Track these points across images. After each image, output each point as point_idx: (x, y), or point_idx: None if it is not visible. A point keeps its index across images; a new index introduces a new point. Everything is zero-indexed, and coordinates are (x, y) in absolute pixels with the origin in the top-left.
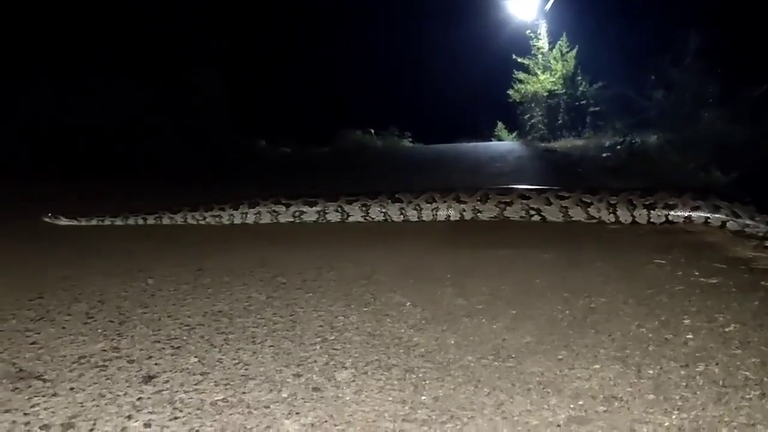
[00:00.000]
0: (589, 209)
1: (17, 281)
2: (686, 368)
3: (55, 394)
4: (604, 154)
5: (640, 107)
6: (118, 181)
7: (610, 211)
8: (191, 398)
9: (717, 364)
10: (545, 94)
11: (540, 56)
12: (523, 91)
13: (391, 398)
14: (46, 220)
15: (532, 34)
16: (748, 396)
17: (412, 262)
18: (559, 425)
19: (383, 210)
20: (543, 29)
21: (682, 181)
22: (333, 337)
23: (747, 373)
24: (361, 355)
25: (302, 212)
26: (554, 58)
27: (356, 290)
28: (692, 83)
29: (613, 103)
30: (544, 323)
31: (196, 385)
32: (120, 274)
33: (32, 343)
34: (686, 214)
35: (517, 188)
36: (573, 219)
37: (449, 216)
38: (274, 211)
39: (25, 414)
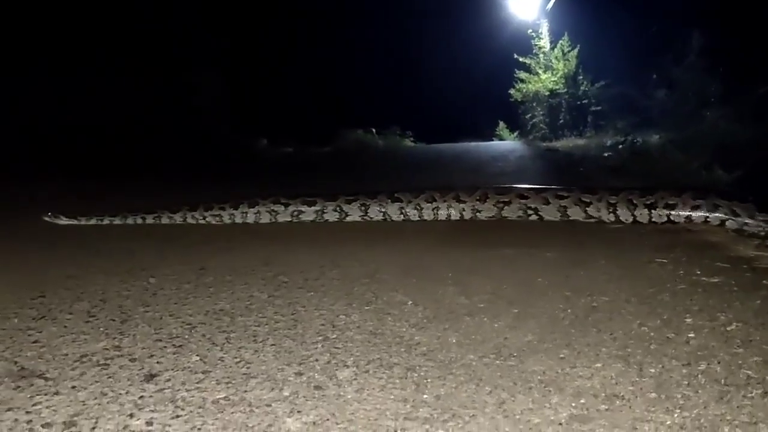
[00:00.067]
0: (588, 209)
1: (19, 280)
2: (688, 367)
3: (57, 393)
4: (606, 154)
5: (642, 106)
6: (118, 180)
7: (610, 210)
8: (193, 397)
9: (719, 362)
10: (547, 93)
11: (541, 55)
12: (524, 90)
13: (392, 397)
14: (46, 219)
15: (533, 34)
16: (749, 395)
17: (414, 261)
18: (560, 423)
19: (382, 210)
20: (544, 28)
21: (684, 181)
22: (334, 336)
23: (749, 372)
24: (362, 354)
25: (300, 212)
26: (556, 58)
27: (358, 289)
28: (694, 82)
29: (614, 102)
30: (546, 322)
31: (197, 383)
32: (121, 273)
33: (34, 342)
34: (686, 213)
35: (516, 187)
36: (571, 218)
37: (450, 215)
38: (273, 210)
39: (27, 412)
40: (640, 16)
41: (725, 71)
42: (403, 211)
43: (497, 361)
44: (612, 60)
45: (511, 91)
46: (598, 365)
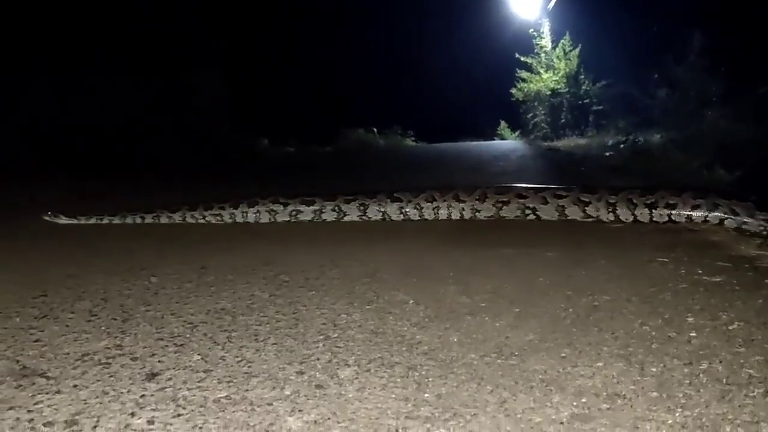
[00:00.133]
0: (586, 208)
1: (20, 279)
2: (690, 366)
3: (58, 392)
4: (607, 153)
5: (643, 106)
6: (119, 180)
7: (609, 210)
8: (194, 395)
9: (721, 362)
10: (548, 92)
11: (543, 55)
12: (526, 89)
13: (393, 395)
14: (46, 218)
15: (534, 33)
16: (751, 394)
17: (414, 260)
18: (562, 423)
19: (381, 209)
20: (546, 28)
21: (685, 180)
22: (336, 335)
23: (751, 371)
24: (363, 353)
25: (299, 211)
26: (557, 57)
27: (359, 288)
28: (695, 82)
29: (616, 101)
30: (548, 321)
31: (199, 382)
32: (122, 272)
33: (36, 341)
34: (687, 212)
35: (516, 187)
36: (569, 218)
37: (450, 215)
38: (272, 210)
39: (29, 411)
40: (641, 15)
41: (726, 71)
42: (403, 210)
43: (498, 360)
44: (613, 59)
45: (513, 91)
46: (600, 364)
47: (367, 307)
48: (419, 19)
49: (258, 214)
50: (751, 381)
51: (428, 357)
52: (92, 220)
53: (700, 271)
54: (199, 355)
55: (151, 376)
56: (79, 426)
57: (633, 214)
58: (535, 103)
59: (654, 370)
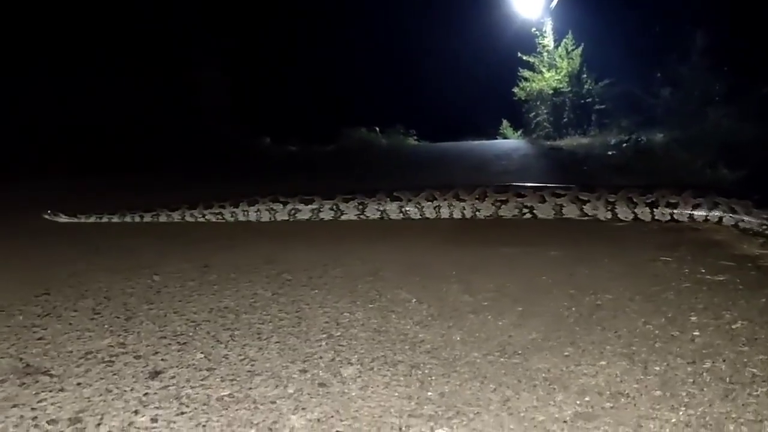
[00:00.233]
0: (584, 207)
1: (23, 277)
2: (693, 365)
3: (62, 389)
4: (610, 152)
5: (646, 105)
6: (120, 179)
7: (608, 208)
8: (198, 394)
9: (724, 360)
10: (550, 92)
11: (545, 54)
12: (528, 89)
13: (397, 394)
14: (46, 217)
15: (537, 32)
16: (755, 393)
17: (416, 259)
18: (565, 421)
19: (381, 208)
20: (548, 27)
21: (688, 180)
22: (339, 334)
23: (754, 370)
24: (366, 351)
25: (298, 210)
26: (560, 56)
27: (361, 287)
28: (699, 81)
29: (618, 101)
30: (551, 320)
31: (202, 380)
32: (125, 270)
33: (39, 339)
34: (687, 211)
35: (515, 186)
36: (565, 216)
37: (452, 214)
38: (272, 209)
39: (33, 409)
40: (644, 14)
41: (729, 70)
42: (403, 209)
43: (502, 359)
44: (616, 58)
45: (515, 90)
46: (603, 363)
47: (370, 305)
48: (421, 18)
49: (259, 213)
50: (754, 380)
51: (431, 355)
52: (92, 219)
53: (704, 270)
54: (202, 353)
55: (155, 374)
56: (83, 424)
57: (633, 213)
58: (538, 103)
59: (657, 368)
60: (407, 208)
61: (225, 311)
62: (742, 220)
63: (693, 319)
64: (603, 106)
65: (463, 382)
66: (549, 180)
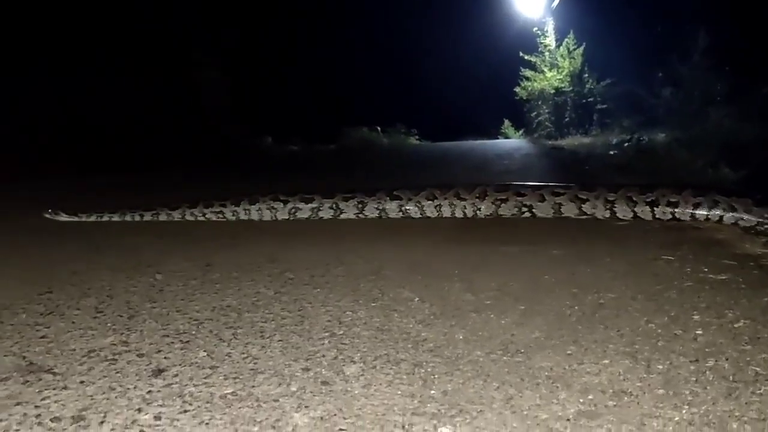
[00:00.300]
0: (583, 206)
1: (25, 276)
2: (696, 363)
3: (65, 387)
4: (612, 152)
5: (647, 105)
6: (121, 179)
7: (607, 207)
8: (201, 392)
9: (727, 359)
10: (552, 91)
11: (547, 53)
12: (530, 88)
13: (400, 392)
14: (47, 216)
15: (539, 32)
16: (758, 391)
17: (418, 258)
18: (568, 419)
19: (380, 207)
20: (550, 26)
21: (690, 179)
22: (341, 332)
23: (757, 369)
24: (369, 350)
25: (297, 209)
26: (561, 56)
27: (364, 286)
28: (700, 81)
29: (620, 100)
30: (553, 319)
31: (205, 378)
32: (127, 269)
33: (42, 337)
34: (689, 210)
35: (515, 185)
36: (564, 215)
37: (453, 213)
38: (273, 207)
39: (36, 407)
40: (646, 14)
41: (731, 70)
42: (402, 208)
43: (504, 358)
44: (618, 58)
45: (517, 90)
46: (606, 362)
47: (373, 304)
48: (423, 18)
49: (260, 212)
50: (757, 378)
51: (434, 354)
52: (93, 218)
53: (706, 269)
54: (205, 351)
55: (158, 372)
56: (86, 421)
57: (632, 212)
58: (539, 102)
59: (660, 367)
60: (407, 207)
61: (227, 310)
62: (742, 219)
63: (695, 317)
64: (604, 106)
65: (466, 380)
66: (551, 179)
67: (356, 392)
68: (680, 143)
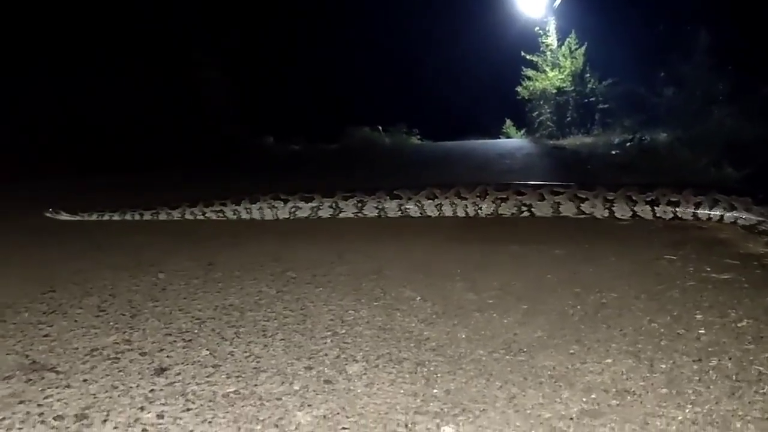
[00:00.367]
0: (581, 205)
1: (28, 275)
2: (699, 363)
3: (68, 386)
4: (613, 152)
5: (649, 104)
6: (122, 179)
7: (606, 207)
8: (203, 390)
9: (730, 358)
10: (554, 91)
11: (549, 53)
12: (531, 88)
13: (402, 391)
14: (47, 215)
15: (540, 31)
16: (761, 390)
17: (421, 257)
18: (571, 418)
19: (380, 206)
20: (552, 26)
21: (692, 178)
22: (344, 331)
23: (760, 368)
24: (372, 349)
25: (298, 208)
26: (563, 55)
27: (366, 285)
28: (702, 80)
29: (622, 100)
30: (556, 318)
31: (208, 377)
32: (130, 268)
33: (45, 336)
34: (691, 209)
35: (515, 184)
36: (562, 215)
37: (455, 212)
38: (274, 206)
39: (39, 405)
40: (648, 13)
41: (733, 69)
42: (402, 207)
43: (507, 357)
44: (619, 58)
45: (518, 89)
46: (609, 361)
47: (375, 303)
48: (425, 17)
49: (261, 211)
50: (761, 378)
51: (436, 353)
52: (94, 217)
53: (709, 269)
54: (207, 350)
55: (160, 371)
56: (89, 420)
57: (632, 211)
58: (541, 102)
59: (663, 366)
60: (407, 207)
61: (230, 309)
62: (742, 217)
63: (698, 317)
64: (606, 106)
65: (469, 379)
66: (552, 179)
67: (359, 391)
68: (682, 142)
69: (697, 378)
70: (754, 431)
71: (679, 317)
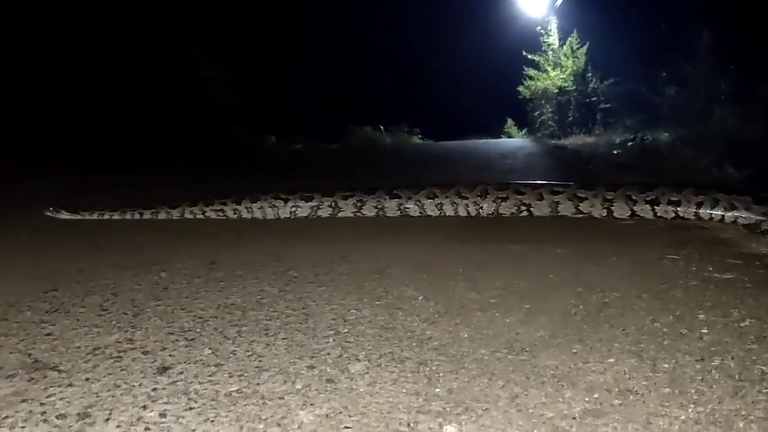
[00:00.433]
0: (580, 205)
1: (29, 274)
2: (702, 362)
3: (70, 385)
4: (615, 151)
5: (651, 104)
6: (122, 179)
7: (604, 206)
8: (206, 389)
9: (733, 358)
10: (555, 90)
11: (550, 53)
12: (533, 87)
13: (405, 390)
14: (48, 214)
15: (542, 31)
16: (764, 390)
17: (423, 256)
18: (574, 418)
19: (379, 206)
20: (553, 25)
21: (694, 178)
22: (346, 330)
23: (763, 368)
24: (374, 348)
25: (298, 207)
26: (565, 55)
27: (368, 284)
28: (705, 80)
29: (624, 99)
30: (558, 317)
31: (210, 376)
32: (132, 267)
33: (47, 335)
34: (689, 209)
35: (515, 184)
36: (560, 214)
37: (456, 211)
38: (274, 205)
39: (42, 404)
40: (650, 13)
41: (735, 69)
42: (401, 207)
43: (509, 356)
44: (621, 57)
45: (520, 89)
46: (611, 360)
47: (377, 302)
48: (426, 17)
49: (262, 210)
50: (764, 377)
51: (439, 352)
52: (94, 216)
53: (711, 268)
54: (209, 349)
55: (163, 369)
56: (91, 418)
57: (631, 210)
58: (543, 101)
59: (666, 366)
60: (407, 206)
61: (232, 308)
62: (742, 216)
63: (701, 316)
64: (608, 105)
65: (471, 378)
66: (554, 179)
67: (361, 390)
68: (684, 142)
69: (700, 377)
70: (756, 431)
71: (682, 317)
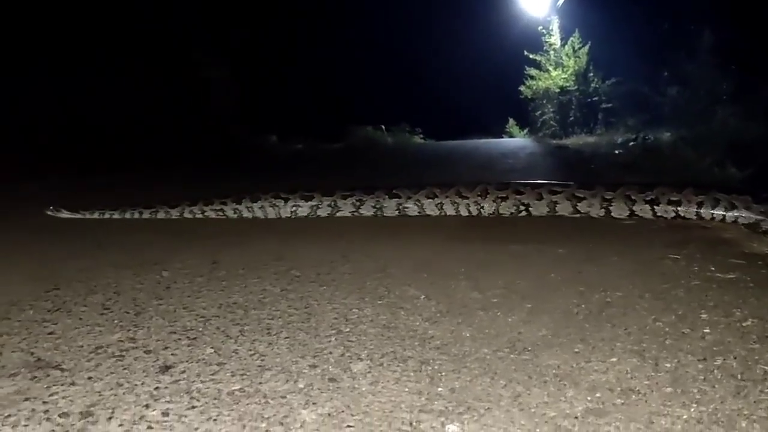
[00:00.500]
0: (578, 204)
1: (31, 273)
2: (704, 362)
3: (73, 383)
4: (617, 151)
5: (653, 104)
6: (122, 179)
7: (603, 206)
8: (208, 388)
9: (735, 358)
10: (557, 90)
11: (552, 52)
12: (534, 87)
13: (407, 389)
14: (49, 213)
15: (544, 30)
16: (767, 390)
17: (424, 256)
18: (576, 417)
19: (378, 206)
20: (555, 25)
21: (696, 178)
22: (348, 329)
23: (765, 367)
24: (376, 347)
25: (298, 207)
26: (566, 55)
27: (370, 283)
28: (706, 79)
29: (625, 99)
30: (560, 317)
31: (212, 375)
32: (134, 266)
33: (50, 334)
34: (689, 208)
35: (515, 183)
36: (558, 214)
37: (457, 211)
38: (275, 205)
39: (44, 402)
40: (652, 12)
41: (737, 69)
42: (400, 207)
43: (512, 355)
44: (623, 57)
45: (521, 88)
46: (613, 360)
47: (379, 302)
48: (427, 17)
49: (263, 209)
50: (766, 377)
51: (441, 351)
52: (95, 215)
53: (713, 268)
54: (212, 348)
55: (165, 368)
56: (94, 417)
57: (630, 210)
58: (544, 101)
59: (668, 365)
60: (406, 206)
61: (234, 307)
62: (742, 216)
63: (703, 316)
64: (610, 105)
65: (474, 377)
66: (555, 178)
67: (363, 389)
68: (686, 142)
69: (702, 377)
70: (759, 430)
71: (684, 316)
